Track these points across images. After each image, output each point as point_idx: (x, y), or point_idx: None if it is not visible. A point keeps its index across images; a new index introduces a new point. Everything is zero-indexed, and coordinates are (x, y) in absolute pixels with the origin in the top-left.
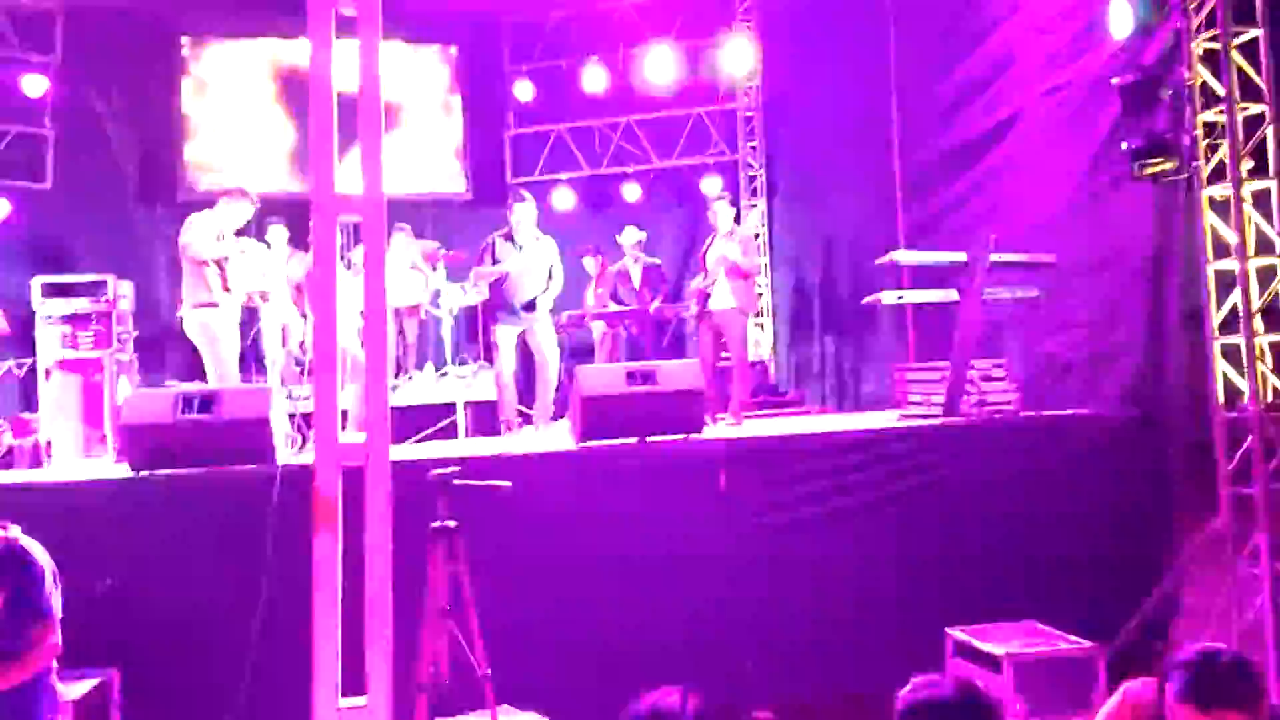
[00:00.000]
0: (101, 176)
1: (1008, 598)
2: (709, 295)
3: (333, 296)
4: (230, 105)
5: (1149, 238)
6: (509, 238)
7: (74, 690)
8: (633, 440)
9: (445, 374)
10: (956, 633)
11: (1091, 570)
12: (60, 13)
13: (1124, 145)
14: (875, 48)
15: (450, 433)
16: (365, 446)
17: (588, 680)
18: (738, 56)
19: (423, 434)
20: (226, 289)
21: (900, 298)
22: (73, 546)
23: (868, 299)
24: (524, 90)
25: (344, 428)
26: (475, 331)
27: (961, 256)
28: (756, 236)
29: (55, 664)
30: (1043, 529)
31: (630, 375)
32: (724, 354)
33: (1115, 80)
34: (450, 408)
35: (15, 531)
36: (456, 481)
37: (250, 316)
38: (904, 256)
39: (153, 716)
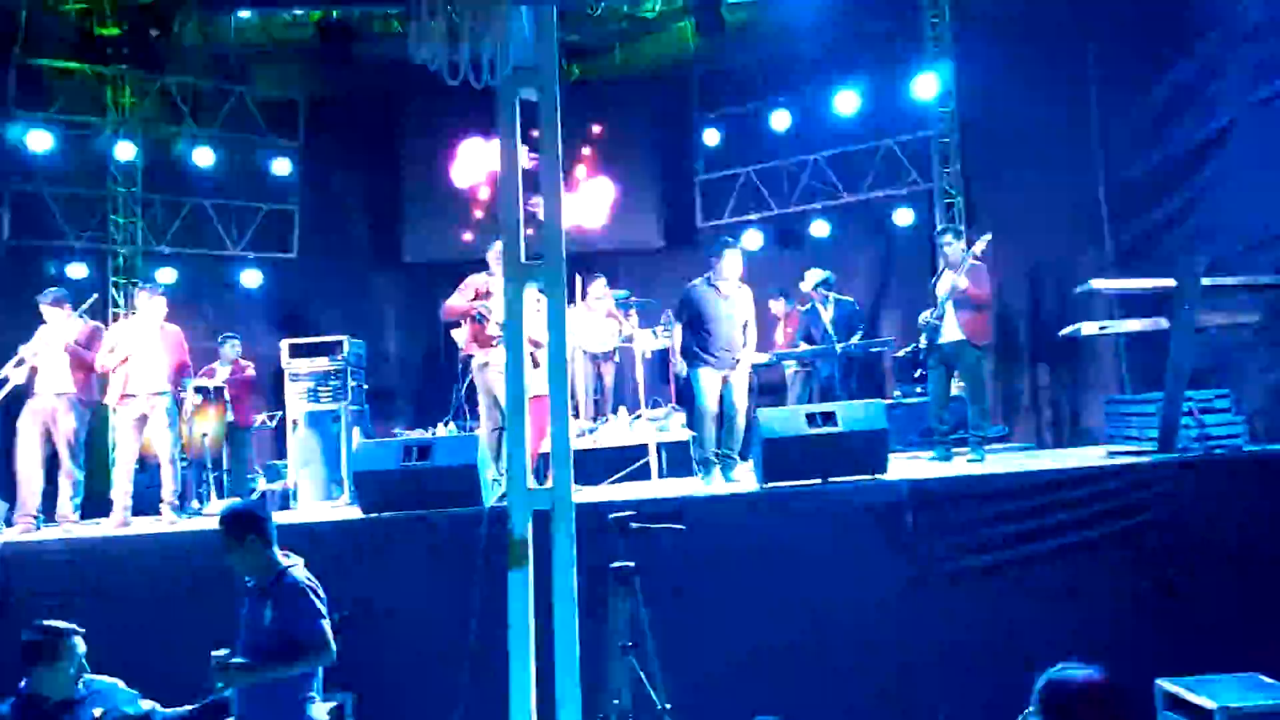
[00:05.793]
0: (338, 246)
1: (1227, 648)
2: (937, 328)
3: (520, 350)
4: (441, 178)
5: None
6: (711, 283)
7: (316, 713)
8: (815, 481)
9: (639, 417)
10: (1167, 684)
11: None
12: (302, 102)
13: None
14: (1074, 65)
15: (643, 474)
16: (550, 492)
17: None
18: (929, 84)
19: (617, 476)
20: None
21: (1103, 328)
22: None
23: (1065, 330)
24: (712, 136)
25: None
26: (668, 375)
27: (1168, 281)
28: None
29: (316, 694)
30: (1269, 574)
31: (811, 417)
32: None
33: None
34: (644, 449)
35: (296, 562)
36: (634, 525)
37: (464, 366)
38: (1103, 284)
39: None
